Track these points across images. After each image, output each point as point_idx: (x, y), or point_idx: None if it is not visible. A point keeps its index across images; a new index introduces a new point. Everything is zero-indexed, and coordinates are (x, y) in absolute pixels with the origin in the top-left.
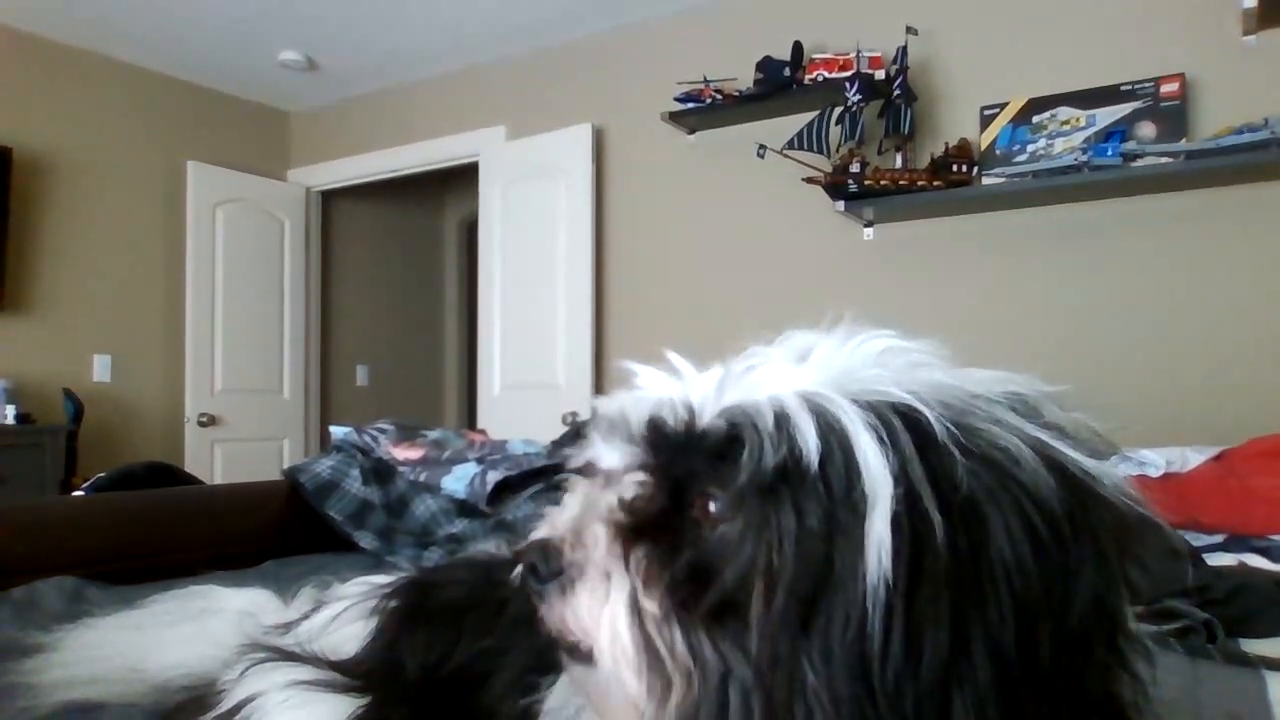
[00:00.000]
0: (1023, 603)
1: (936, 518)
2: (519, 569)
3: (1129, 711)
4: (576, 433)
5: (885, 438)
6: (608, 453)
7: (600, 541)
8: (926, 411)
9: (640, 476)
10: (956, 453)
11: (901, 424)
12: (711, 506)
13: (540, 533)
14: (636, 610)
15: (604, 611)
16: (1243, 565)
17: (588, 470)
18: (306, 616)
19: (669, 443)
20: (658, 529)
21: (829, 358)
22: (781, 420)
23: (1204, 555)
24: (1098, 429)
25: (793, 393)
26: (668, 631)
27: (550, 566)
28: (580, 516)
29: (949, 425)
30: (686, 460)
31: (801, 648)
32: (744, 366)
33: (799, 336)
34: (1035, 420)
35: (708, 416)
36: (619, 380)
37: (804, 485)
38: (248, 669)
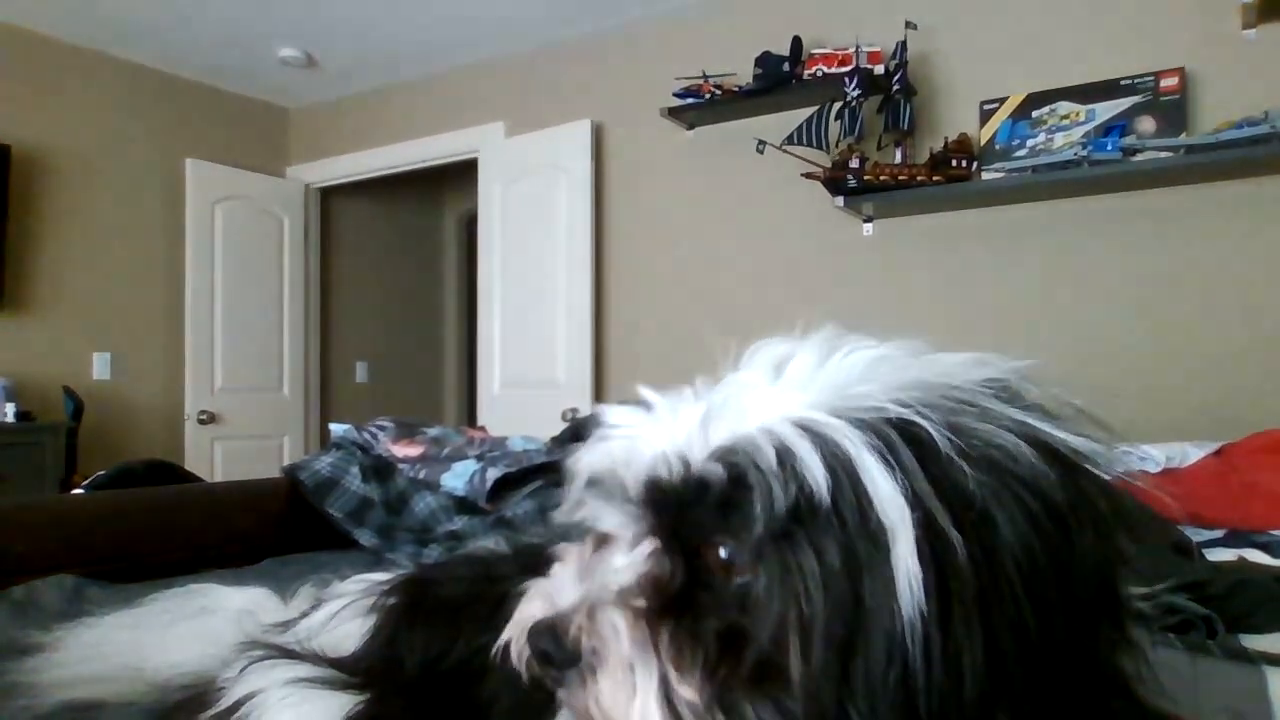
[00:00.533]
0: (1038, 596)
1: (955, 536)
2: (527, 651)
3: (1132, 682)
4: (576, 431)
5: (890, 459)
6: (603, 515)
7: (621, 631)
8: (924, 423)
9: (648, 547)
10: (960, 462)
11: (901, 440)
12: (725, 560)
13: (542, 609)
14: (669, 699)
15: (634, 705)
16: (1243, 560)
17: (578, 532)
18: (305, 614)
19: (669, 500)
20: (680, 604)
21: (812, 374)
22: (784, 456)
23: (1204, 550)
24: (1077, 404)
25: (785, 421)
26: (708, 715)
27: (565, 653)
28: (588, 595)
29: (947, 434)
30: (691, 517)
31: (845, 695)
32: (724, 396)
33: (770, 349)
34: (1019, 404)
35: (699, 461)
36: (614, 394)
37: (818, 523)
38: (247, 666)
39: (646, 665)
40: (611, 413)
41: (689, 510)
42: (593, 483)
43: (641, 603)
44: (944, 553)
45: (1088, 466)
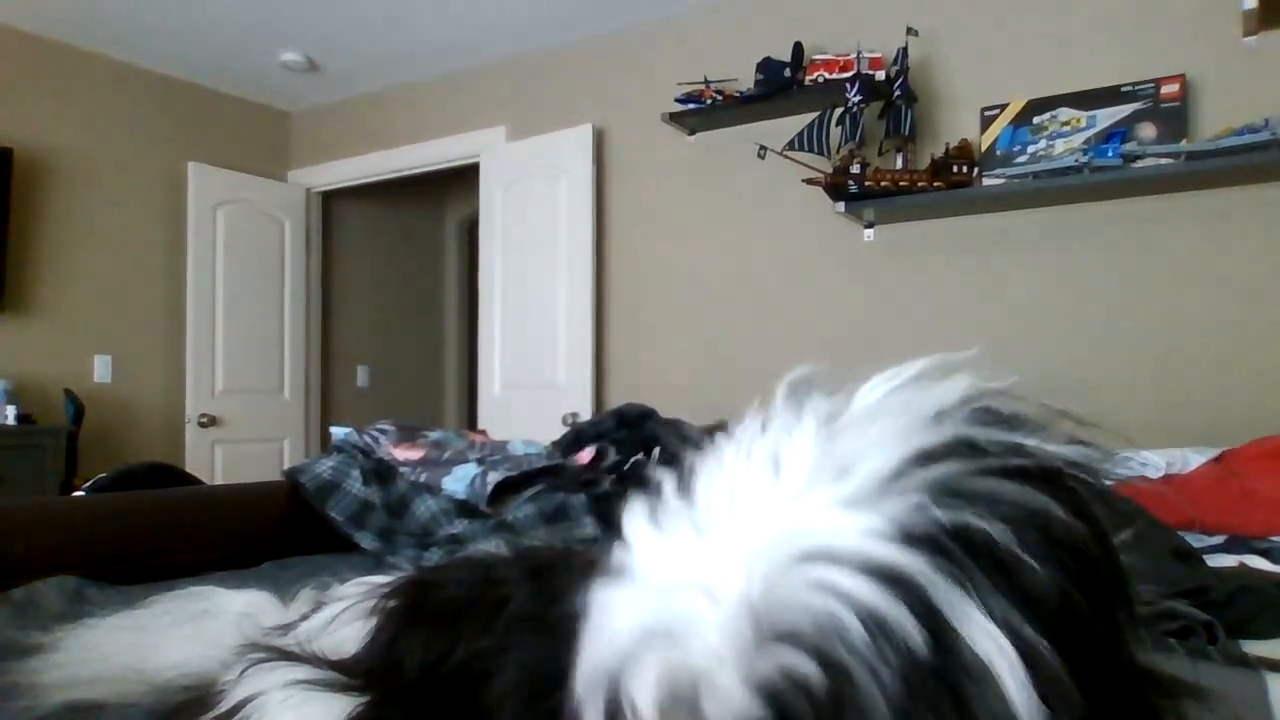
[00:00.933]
0: (1086, 633)
1: (1045, 649)
2: None
3: (1153, 669)
4: (577, 435)
5: (969, 586)
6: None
7: None
8: (981, 523)
9: None
10: (1027, 559)
11: (963, 549)
12: None
13: None
14: None
15: None
16: (1243, 566)
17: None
18: (306, 617)
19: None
20: None
21: (840, 472)
22: (872, 628)
23: (1204, 557)
24: (1054, 409)
25: (851, 566)
26: None
27: None
28: None
29: (1005, 529)
30: None
31: None
32: (761, 533)
33: (766, 436)
34: (1014, 428)
35: (758, 675)
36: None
37: (927, 693)
38: (247, 669)
39: None
40: (640, 544)
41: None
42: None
43: None
44: (1044, 672)
45: (1089, 483)
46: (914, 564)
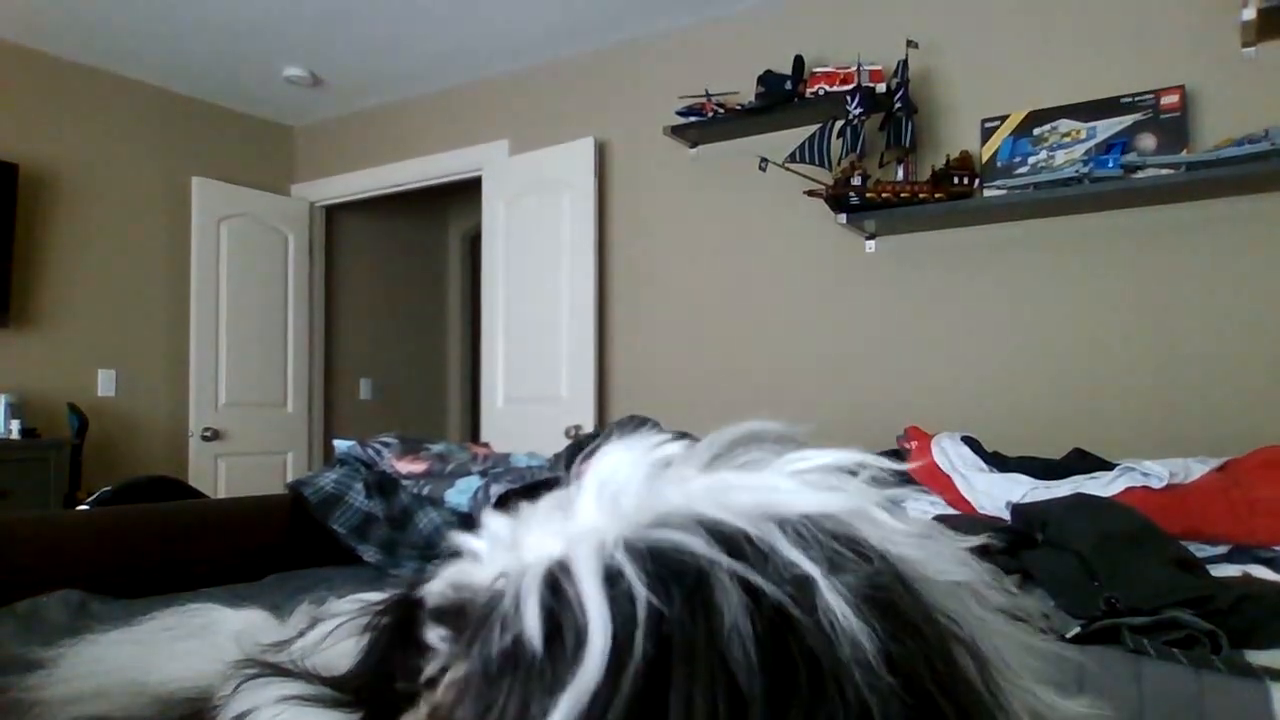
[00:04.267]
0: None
1: (619, 701)
2: None
3: None
4: (578, 446)
5: (610, 614)
6: (435, 639)
7: None
8: (635, 581)
9: (448, 675)
10: (647, 629)
11: (629, 593)
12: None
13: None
14: None
15: None
16: (1247, 576)
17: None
18: (301, 633)
19: (452, 629)
20: None
21: (598, 503)
22: (516, 599)
23: (1208, 566)
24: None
25: (543, 561)
26: None
27: None
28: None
29: (652, 595)
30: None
31: None
32: (530, 520)
33: (604, 465)
34: (810, 551)
35: (481, 594)
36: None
37: (529, 670)
38: (240, 684)
39: None
40: (470, 540)
41: (461, 640)
42: (428, 607)
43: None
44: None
45: (841, 655)
46: (586, 576)
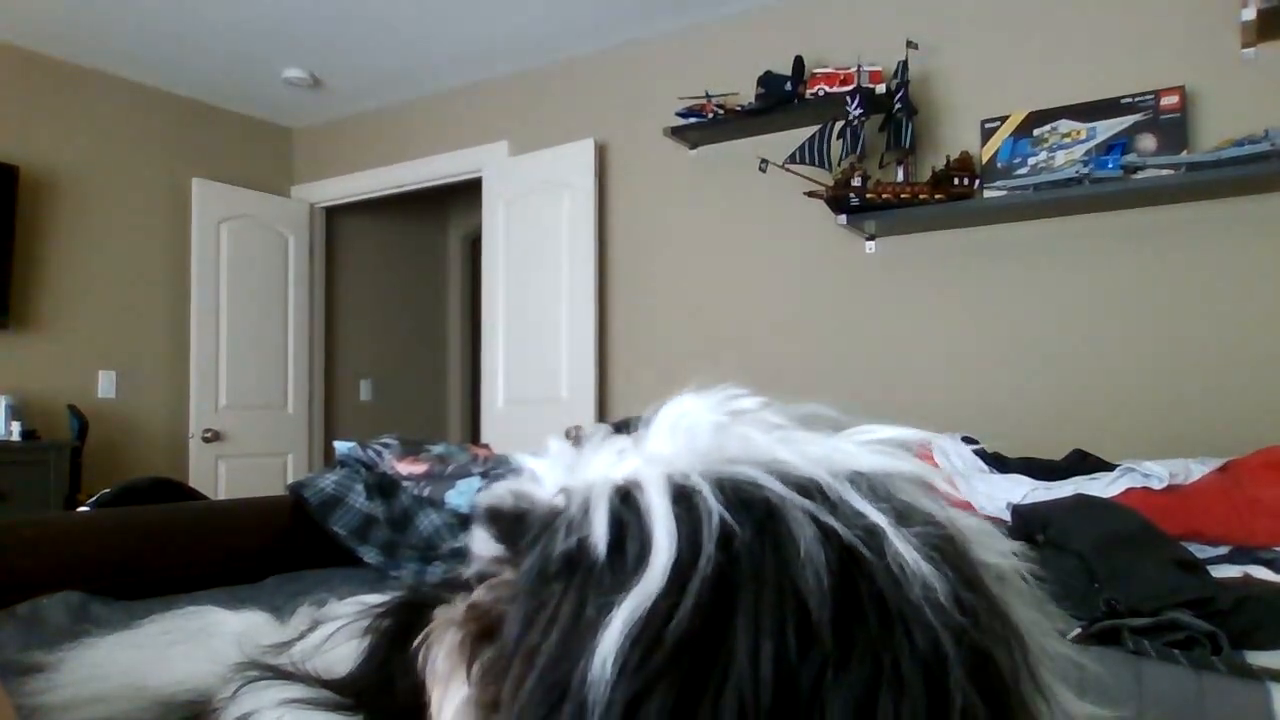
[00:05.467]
0: (754, 707)
1: (682, 613)
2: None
3: None
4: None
5: (677, 530)
6: (481, 541)
7: (446, 646)
8: (711, 500)
9: (495, 574)
10: (719, 546)
11: (702, 513)
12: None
13: (436, 619)
14: (467, 716)
15: (444, 715)
16: (1247, 577)
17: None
18: (302, 635)
19: (506, 531)
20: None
21: (673, 435)
22: (585, 507)
23: (1208, 567)
24: (976, 521)
25: (613, 477)
26: None
27: (421, 657)
28: (449, 616)
29: (727, 514)
30: (518, 549)
31: None
32: (593, 448)
33: (677, 406)
34: (882, 505)
35: (541, 502)
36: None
37: (590, 574)
38: (241, 687)
39: (457, 684)
40: (525, 459)
41: (514, 545)
42: (478, 513)
43: (466, 625)
44: (661, 626)
45: (905, 596)
46: (655, 493)
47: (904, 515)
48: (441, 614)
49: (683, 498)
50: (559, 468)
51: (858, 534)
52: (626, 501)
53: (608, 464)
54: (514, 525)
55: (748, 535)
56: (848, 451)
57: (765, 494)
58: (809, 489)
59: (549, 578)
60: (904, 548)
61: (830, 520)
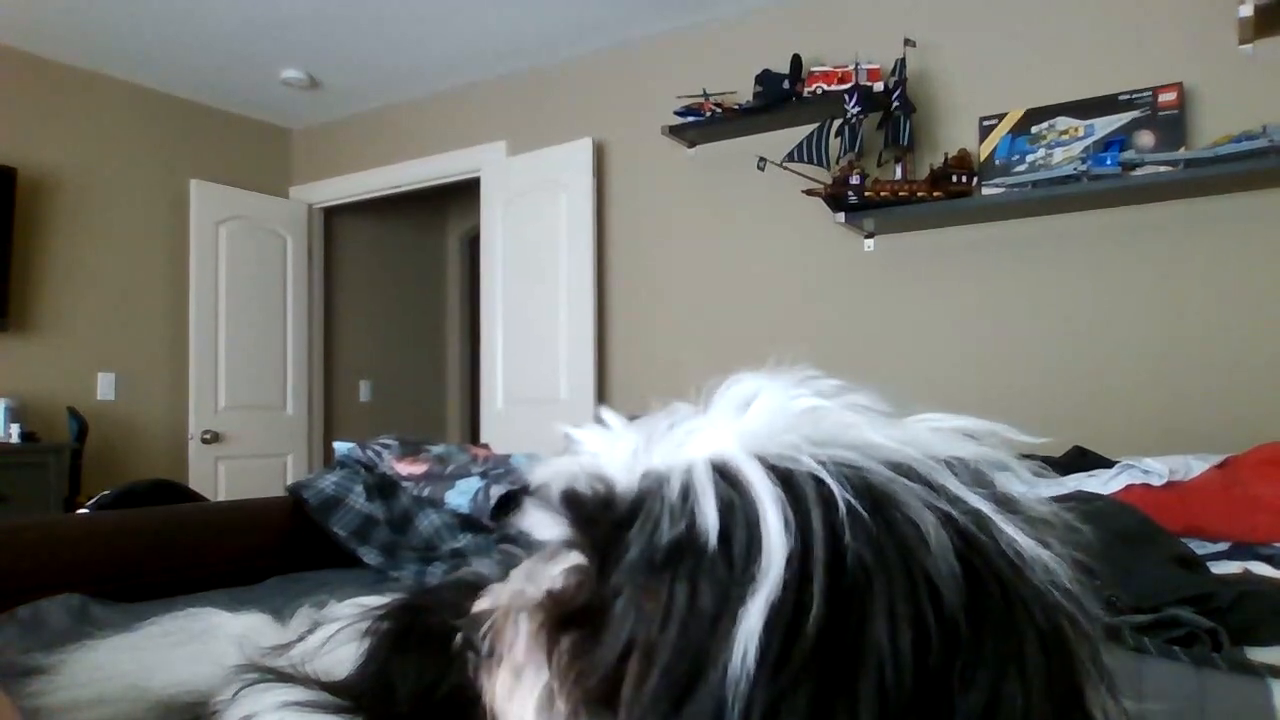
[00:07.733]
0: (896, 698)
1: (818, 602)
2: (460, 636)
3: None
4: None
5: (792, 515)
6: (543, 524)
7: (523, 633)
8: (832, 483)
9: (571, 558)
10: (848, 532)
11: (815, 496)
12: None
13: (483, 604)
14: (547, 705)
15: (515, 704)
16: (1247, 573)
17: (529, 540)
18: (302, 638)
19: (583, 516)
20: (583, 617)
21: (756, 414)
22: (686, 491)
23: (1208, 563)
24: (1053, 509)
25: (706, 458)
26: None
27: (484, 644)
28: (514, 599)
29: (851, 499)
30: (603, 534)
31: None
32: (668, 425)
33: (741, 386)
34: (981, 490)
35: (615, 483)
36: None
37: (700, 563)
38: (241, 689)
39: (536, 672)
40: (579, 433)
41: (599, 527)
42: (540, 494)
43: (548, 607)
44: (799, 616)
45: (1026, 581)
46: (754, 475)
47: (1004, 501)
48: (495, 600)
49: (785, 480)
50: (623, 447)
51: (970, 519)
52: (732, 484)
53: (689, 444)
54: (595, 510)
55: (868, 520)
56: (934, 437)
57: (871, 478)
58: (910, 473)
59: (657, 567)
60: (1015, 533)
61: (944, 505)
